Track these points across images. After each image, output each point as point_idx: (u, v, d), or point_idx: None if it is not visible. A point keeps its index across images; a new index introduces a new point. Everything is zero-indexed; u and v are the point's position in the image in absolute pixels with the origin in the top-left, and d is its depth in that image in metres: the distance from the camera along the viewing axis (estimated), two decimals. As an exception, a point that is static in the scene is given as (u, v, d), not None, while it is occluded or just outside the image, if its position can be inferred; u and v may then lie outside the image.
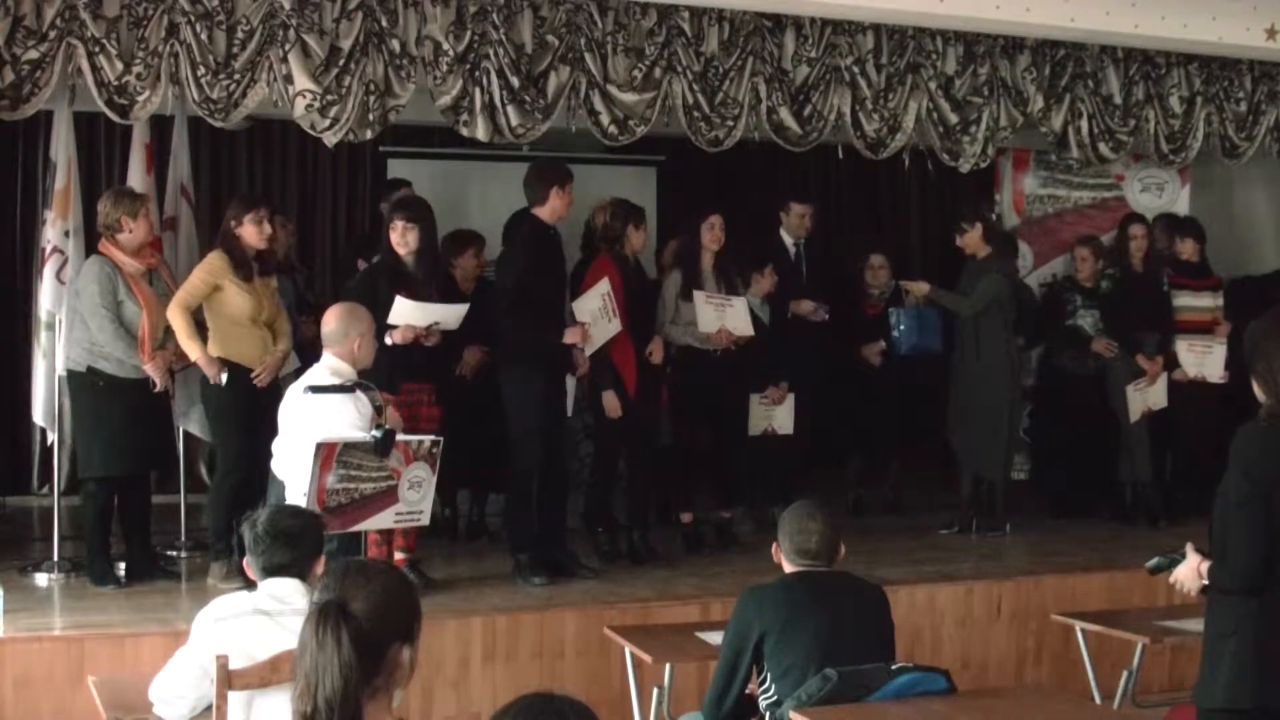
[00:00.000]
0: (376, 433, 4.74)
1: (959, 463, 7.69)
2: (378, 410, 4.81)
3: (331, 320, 5.06)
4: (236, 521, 3.97)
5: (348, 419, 4.78)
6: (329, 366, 4.97)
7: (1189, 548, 3.53)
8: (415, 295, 5.93)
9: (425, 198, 7.39)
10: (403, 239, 6.03)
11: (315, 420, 4.75)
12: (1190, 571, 3.50)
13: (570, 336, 6.14)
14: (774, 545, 3.96)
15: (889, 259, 8.15)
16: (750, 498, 7.54)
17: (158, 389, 5.94)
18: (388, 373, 5.56)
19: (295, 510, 3.71)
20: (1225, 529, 3.39)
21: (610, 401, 6.43)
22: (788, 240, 7.77)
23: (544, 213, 6.16)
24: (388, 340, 5.87)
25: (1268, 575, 3.32)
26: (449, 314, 6.04)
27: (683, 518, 7.04)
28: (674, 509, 7.18)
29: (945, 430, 7.69)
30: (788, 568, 3.91)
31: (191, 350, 5.86)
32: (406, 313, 5.87)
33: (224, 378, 5.88)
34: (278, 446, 4.94)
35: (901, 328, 7.77)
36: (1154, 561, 3.63)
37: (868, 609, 3.87)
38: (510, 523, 6.34)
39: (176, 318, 5.86)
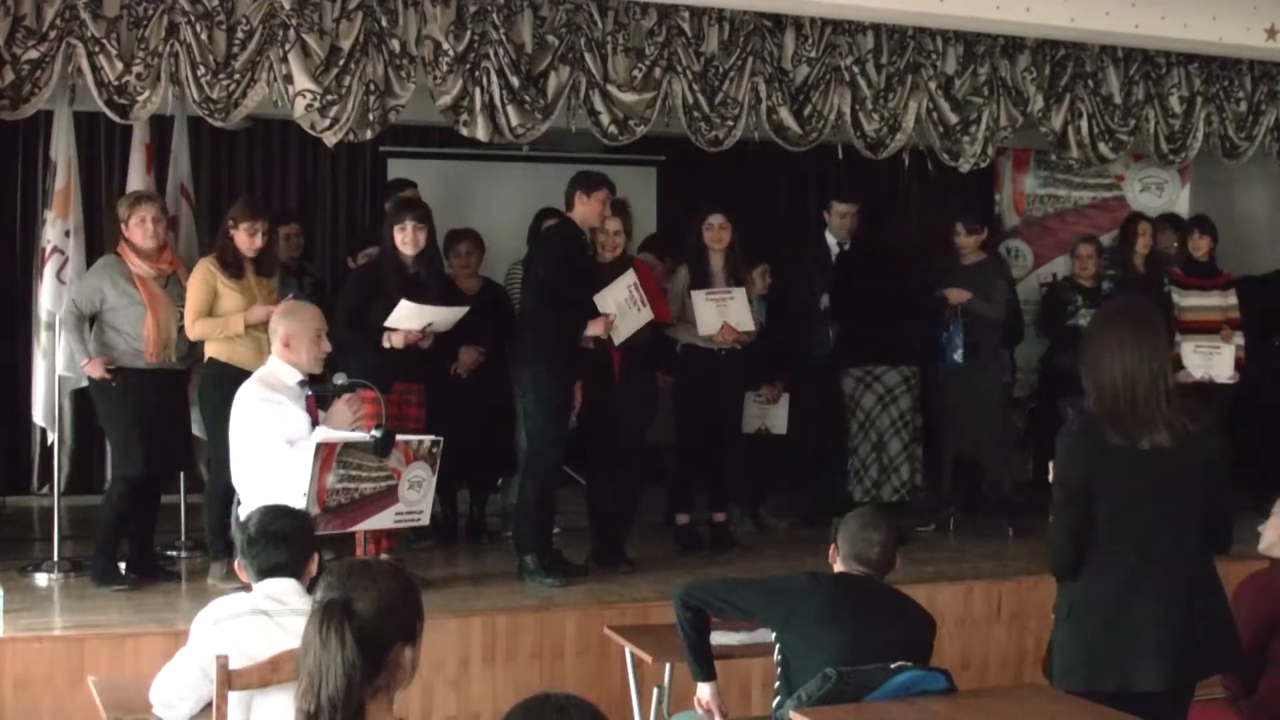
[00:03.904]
0: (376, 433, 4.74)
1: (944, 461, 7.68)
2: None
3: (272, 318, 5.05)
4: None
5: (296, 420, 4.77)
6: (271, 368, 4.93)
7: None
8: (419, 297, 5.94)
9: (425, 198, 7.43)
10: (412, 239, 6.06)
11: (267, 422, 4.74)
12: None
13: (593, 328, 6.15)
14: (831, 547, 3.90)
15: None
16: (744, 498, 7.55)
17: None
18: (378, 372, 5.55)
19: (287, 510, 3.69)
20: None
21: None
22: (831, 241, 7.72)
23: (574, 216, 6.25)
24: (385, 344, 5.89)
25: (1079, 565, 3.60)
26: (447, 315, 6.06)
27: (678, 519, 7.02)
28: (672, 510, 7.19)
29: (939, 429, 7.68)
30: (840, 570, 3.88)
31: (239, 324, 5.90)
32: (406, 316, 5.89)
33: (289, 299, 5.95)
34: (234, 454, 4.88)
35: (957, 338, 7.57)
36: None
37: (904, 635, 3.75)
38: (520, 522, 6.33)
39: (200, 330, 5.93)
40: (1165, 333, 3.66)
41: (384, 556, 5.79)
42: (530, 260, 6.50)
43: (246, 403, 4.83)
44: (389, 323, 5.91)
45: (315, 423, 4.84)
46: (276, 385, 4.84)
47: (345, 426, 4.86)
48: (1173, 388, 3.59)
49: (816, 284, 7.55)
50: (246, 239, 6.03)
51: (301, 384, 4.89)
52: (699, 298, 6.76)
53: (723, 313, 6.76)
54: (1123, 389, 3.54)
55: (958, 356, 7.43)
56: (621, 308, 6.28)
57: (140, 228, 5.97)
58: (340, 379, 5.01)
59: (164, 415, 6.04)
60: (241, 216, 6.07)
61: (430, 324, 6.00)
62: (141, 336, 5.92)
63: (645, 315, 6.36)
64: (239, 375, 5.91)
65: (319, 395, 4.96)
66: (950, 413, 7.57)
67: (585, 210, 6.22)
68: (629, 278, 6.33)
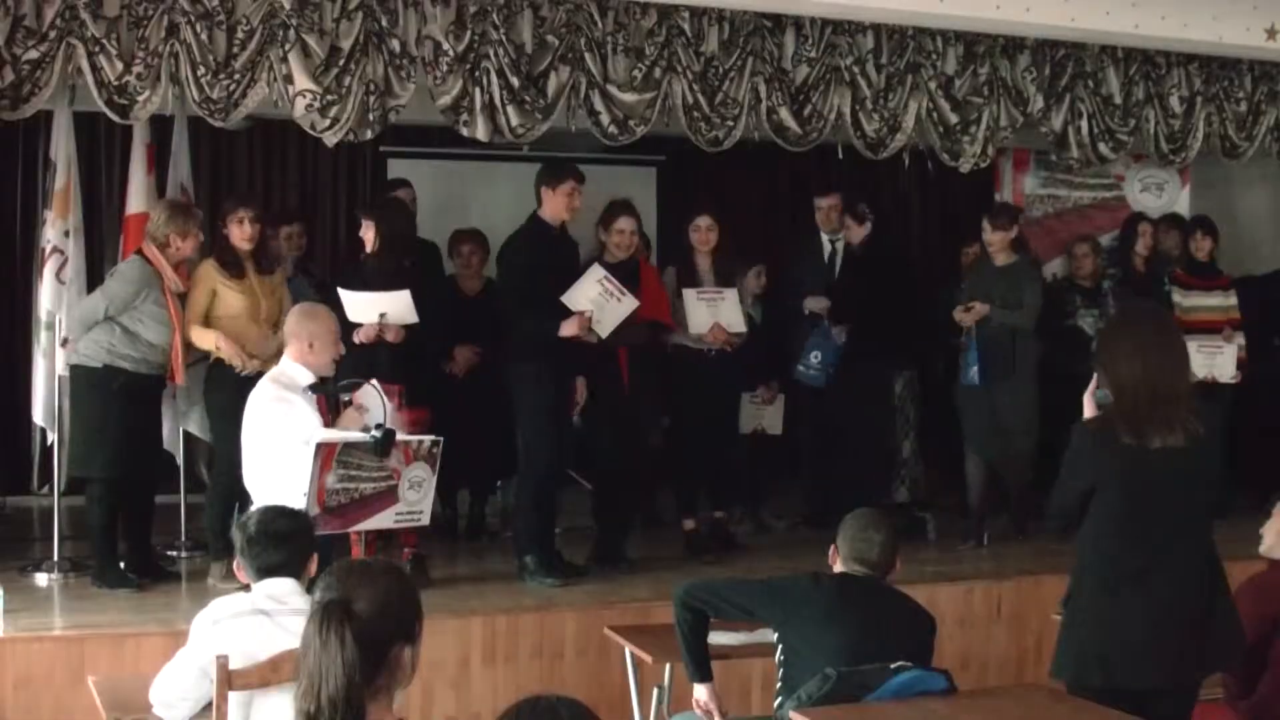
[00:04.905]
0: (376, 433, 4.74)
1: (971, 469, 7.56)
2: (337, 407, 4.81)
3: (290, 320, 5.10)
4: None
5: (310, 420, 4.79)
6: (284, 369, 4.97)
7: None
8: (359, 288, 5.96)
9: (424, 198, 7.43)
10: (364, 236, 6.15)
11: (283, 422, 4.76)
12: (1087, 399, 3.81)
13: (568, 328, 6.09)
14: (832, 548, 3.92)
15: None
16: (743, 498, 7.54)
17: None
18: (353, 375, 5.52)
19: (286, 511, 3.69)
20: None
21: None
22: (824, 239, 7.68)
23: (544, 213, 6.21)
24: (355, 340, 5.88)
25: (1064, 523, 3.80)
26: (393, 302, 6.01)
27: (685, 524, 6.95)
28: (676, 513, 7.17)
29: (967, 438, 7.56)
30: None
31: (218, 344, 5.92)
32: (355, 308, 5.89)
33: (247, 365, 5.89)
34: (248, 454, 4.90)
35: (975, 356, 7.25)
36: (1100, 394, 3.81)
37: (904, 635, 3.76)
38: (519, 523, 6.32)
39: (196, 337, 5.94)
40: (1183, 337, 3.68)
41: (407, 553, 5.84)
42: (501, 258, 6.45)
43: (261, 403, 4.84)
44: (348, 318, 5.90)
45: (325, 424, 4.85)
46: (290, 385, 4.87)
47: (356, 429, 4.86)
48: (1191, 390, 3.62)
49: (809, 284, 7.52)
50: (238, 230, 6.05)
51: (310, 386, 4.89)
52: (690, 297, 6.73)
53: (714, 313, 6.73)
54: (1144, 390, 3.54)
55: (973, 377, 7.15)
56: (597, 303, 6.17)
57: (195, 240, 6.03)
58: (347, 381, 5.02)
59: (145, 418, 6.07)
60: (230, 208, 6.11)
61: (384, 314, 5.98)
62: (160, 350, 5.92)
63: (627, 305, 6.23)
64: (242, 376, 5.94)
65: (327, 396, 4.98)
66: (981, 424, 7.29)
67: (553, 204, 6.16)
68: (596, 271, 6.22)
